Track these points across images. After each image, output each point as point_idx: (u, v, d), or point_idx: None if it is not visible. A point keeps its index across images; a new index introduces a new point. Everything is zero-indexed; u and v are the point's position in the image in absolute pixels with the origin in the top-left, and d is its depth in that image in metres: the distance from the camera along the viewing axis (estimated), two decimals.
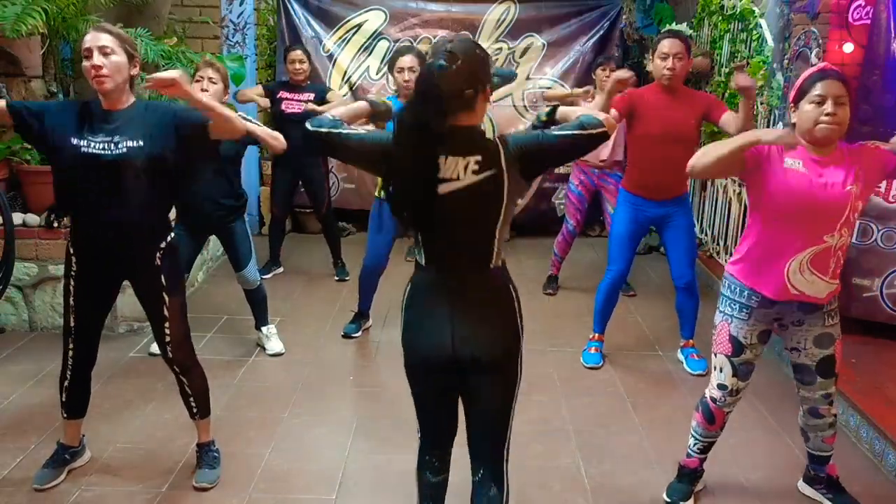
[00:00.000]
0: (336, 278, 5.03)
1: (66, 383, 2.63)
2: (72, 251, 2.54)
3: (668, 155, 3.44)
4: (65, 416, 2.68)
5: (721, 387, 2.53)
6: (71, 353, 2.59)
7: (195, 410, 2.71)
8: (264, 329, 3.88)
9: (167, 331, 2.57)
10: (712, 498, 2.71)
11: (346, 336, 4.08)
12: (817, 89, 2.25)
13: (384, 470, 2.82)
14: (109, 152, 2.35)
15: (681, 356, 3.84)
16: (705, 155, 2.32)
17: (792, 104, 2.35)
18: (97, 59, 2.30)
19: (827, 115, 2.22)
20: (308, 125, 1.94)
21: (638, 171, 3.62)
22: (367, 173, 6.12)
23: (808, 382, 2.50)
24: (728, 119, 3.43)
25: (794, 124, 2.34)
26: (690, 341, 3.81)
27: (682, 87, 3.56)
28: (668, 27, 5.78)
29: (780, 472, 2.87)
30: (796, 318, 2.46)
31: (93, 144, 2.36)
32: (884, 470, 2.89)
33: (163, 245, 2.54)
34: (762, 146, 2.32)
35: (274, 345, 3.84)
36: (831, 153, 2.32)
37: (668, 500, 2.65)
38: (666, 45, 3.44)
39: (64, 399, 2.66)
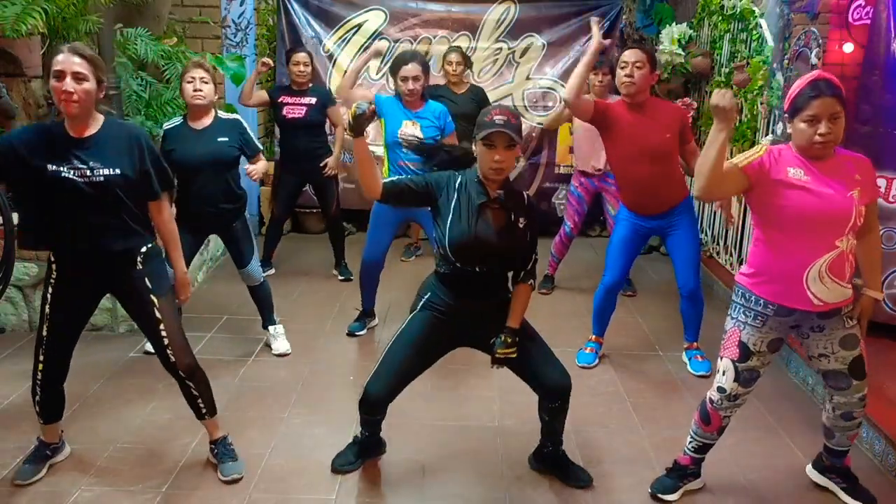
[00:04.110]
0: (340, 278, 5.03)
1: (36, 398, 2.62)
2: (52, 259, 2.53)
3: (651, 172, 3.44)
4: (41, 421, 2.68)
5: (720, 390, 2.53)
6: (41, 365, 2.56)
7: (204, 411, 2.71)
8: (272, 329, 3.88)
9: (163, 333, 2.55)
10: (712, 498, 2.71)
11: (351, 334, 4.08)
12: (810, 109, 2.24)
13: (384, 470, 2.83)
14: (87, 181, 2.36)
15: (685, 357, 3.83)
16: (700, 176, 2.30)
17: (787, 116, 2.35)
18: (69, 84, 2.30)
19: (821, 134, 2.24)
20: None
21: (628, 191, 3.60)
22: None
23: (844, 388, 2.48)
24: (688, 152, 3.52)
25: (790, 134, 2.35)
26: (695, 343, 3.80)
27: (649, 100, 3.49)
28: (667, 27, 5.79)
29: (780, 472, 2.87)
30: (815, 324, 2.44)
31: (70, 171, 2.34)
32: (884, 470, 2.89)
33: (143, 250, 2.53)
34: (762, 158, 2.32)
35: (280, 345, 3.84)
36: (829, 160, 2.33)
37: (650, 491, 2.69)
38: (626, 54, 3.42)
39: (37, 409, 2.65)
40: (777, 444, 3.09)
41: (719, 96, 2.20)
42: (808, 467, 2.82)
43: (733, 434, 3.10)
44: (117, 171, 2.39)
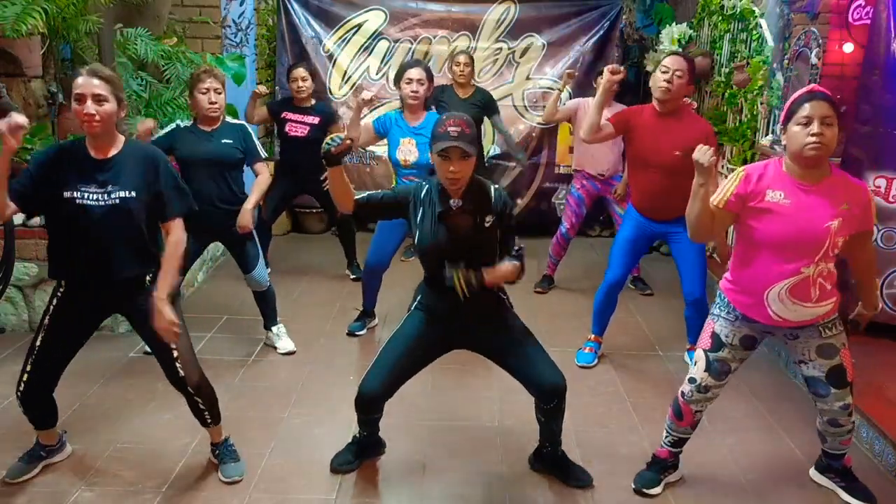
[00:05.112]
0: (352, 277, 5.01)
1: (21, 409, 2.58)
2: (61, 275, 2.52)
3: (668, 182, 3.38)
4: (34, 427, 2.67)
5: (691, 380, 2.58)
6: (25, 376, 2.51)
7: (209, 421, 2.71)
8: (274, 329, 3.88)
9: (173, 346, 2.53)
10: (712, 498, 2.71)
11: (351, 334, 4.08)
12: (804, 110, 2.26)
13: (384, 470, 2.83)
14: (103, 203, 2.37)
15: (687, 359, 3.82)
16: (689, 227, 2.44)
17: (782, 126, 2.37)
18: (90, 107, 2.33)
19: (813, 135, 2.23)
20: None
21: (639, 193, 3.58)
22: (367, 175, 6.16)
23: (823, 395, 2.49)
24: None
25: (784, 146, 2.36)
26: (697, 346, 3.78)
27: (682, 111, 3.46)
28: (667, 27, 5.79)
29: (780, 472, 2.87)
30: (788, 332, 2.47)
31: (87, 195, 2.36)
32: (884, 470, 2.90)
33: (154, 269, 2.54)
34: (738, 190, 2.37)
35: (285, 343, 3.84)
36: (821, 180, 2.32)
37: (634, 486, 2.70)
38: (668, 60, 3.38)
39: (27, 418, 2.62)
40: (777, 444, 3.08)
41: (700, 153, 2.31)
42: (812, 470, 2.83)
43: (733, 434, 3.11)
44: (132, 193, 2.41)
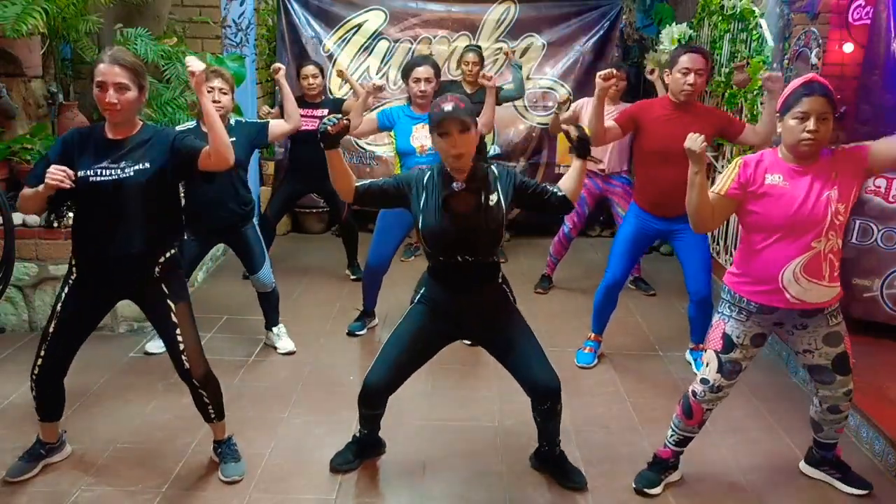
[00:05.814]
0: (353, 277, 5.02)
1: (33, 393, 2.62)
2: (73, 262, 2.54)
3: (677, 174, 3.34)
4: (39, 419, 2.69)
5: (703, 381, 2.59)
6: (39, 360, 2.56)
7: (213, 416, 2.71)
8: (275, 329, 3.88)
9: (179, 338, 2.55)
10: (713, 498, 2.71)
11: (351, 334, 4.08)
12: (802, 105, 2.30)
13: (384, 469, 2.83)
14: (115, 177, 2.39)
15: (689, 358, 3.82)
16: (690, 217, 2.48)
17: (778, 114, 2.40)
18: (112, 96, 2.34)
19: (809, 132, 2.29)
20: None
21: (647, 188, 3.55)
22: (367, 175, 6.15)
23: (828, 382, 2.55)
24: (749, 132, 3.40)
25: (779, 134, 2.40)
26: (701, 345, 3.78)
27: (695, 103, 3.45)
28: (667, 27, 5.78)
29: (781, 472, 2.87)
30: (798, 322, 2.51)
31: (100, 172, 2.38)
32: (884, 470, 2.89)
33: (162, 260, 2.54)
34: (739, 177, 2.41)
35: (285, 343, 3.84)
36: (813, 163, 2.38)
37: (635, 486, 2.71)
38: (688, 59, 3.32)
39: (35, 406, 2.65)
40: (777, 444, 3.09)
41: (691, 141, 2.38)
42: (802, 463, 2.87)
43: (733, 434, 3.11)
44: (146, 164, 2.42)
